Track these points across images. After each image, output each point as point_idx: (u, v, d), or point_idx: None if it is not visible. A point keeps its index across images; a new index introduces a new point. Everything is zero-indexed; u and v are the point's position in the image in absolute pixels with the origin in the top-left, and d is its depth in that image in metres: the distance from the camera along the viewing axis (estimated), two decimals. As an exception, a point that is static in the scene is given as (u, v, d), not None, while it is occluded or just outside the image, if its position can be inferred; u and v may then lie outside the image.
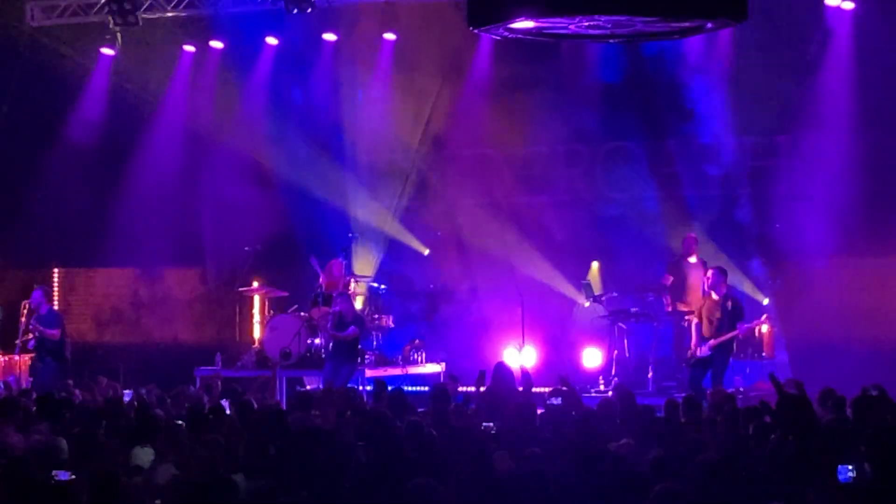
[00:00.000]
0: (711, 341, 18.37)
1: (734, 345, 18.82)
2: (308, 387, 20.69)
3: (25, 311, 21.31)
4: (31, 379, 20.91)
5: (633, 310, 21.05)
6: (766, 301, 20.83)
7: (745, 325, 18.67)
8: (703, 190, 22.15)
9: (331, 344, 20.25)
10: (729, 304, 18.50)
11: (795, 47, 21.15)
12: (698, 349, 18.51)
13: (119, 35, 23.36)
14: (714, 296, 18.59)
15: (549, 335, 22.46)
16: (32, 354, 21.05)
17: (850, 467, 9.32)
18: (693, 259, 20.58)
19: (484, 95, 23.20)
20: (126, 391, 16.44)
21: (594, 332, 21.58)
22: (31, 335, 20.86)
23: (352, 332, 19.88)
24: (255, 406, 14.51)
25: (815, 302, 20.18)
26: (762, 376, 20.20)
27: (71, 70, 24.08)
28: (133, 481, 10.04)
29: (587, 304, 21.86)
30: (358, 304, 21.98)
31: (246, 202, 23.49)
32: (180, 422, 12.94)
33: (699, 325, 18.67)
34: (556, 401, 14.02)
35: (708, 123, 21.79)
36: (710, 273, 18.85)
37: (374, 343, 21.78)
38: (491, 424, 12.76)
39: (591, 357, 21.03)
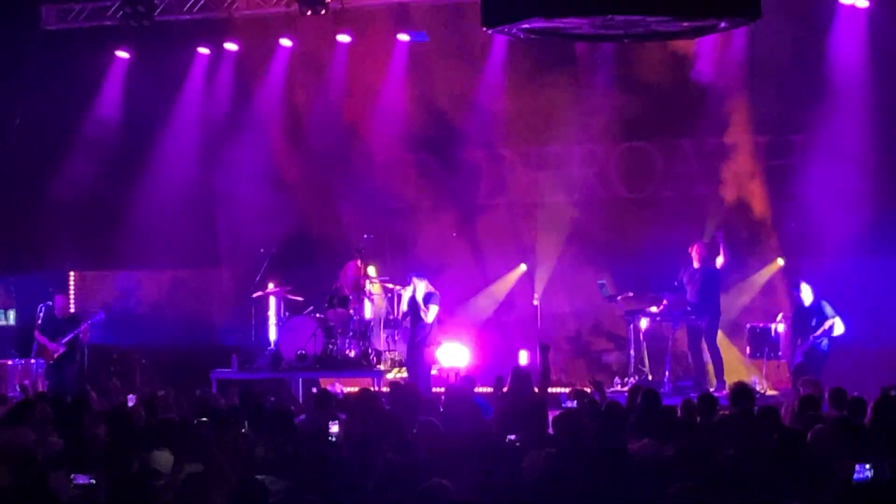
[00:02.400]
0: (802, 347, 19.44)
1: (824, 345, 19.48)
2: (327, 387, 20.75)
3: (41, 317, 21.46)
4: (47, 382, 21.01)
5: (650, 309, 21.03)
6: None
7: (823, 327, 19.45)
8: (719, 189, 22.11)
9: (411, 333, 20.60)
10: (813, 309, 19.55)
11: (810, 46, 21.10)
12: (795, 356, 19.56)
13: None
14: (802, 303, 19.68)
15: (564, 335, 22.46)
16: (51, 361, 21.23)
17: (868, 466, 9.31)
18: (696, 265, 20.61)
19: (498, 96, 23.19)
20: (130, 395, 16.40)
21: (611, 332, 21.60)
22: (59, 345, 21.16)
23: (432, 310, 20.36)
24: (270, 408, 14.50)
25: (832, 300, 20.12)
26: (778, 376, 20.25)
27: (86, 73, 24.13)
28: (154, 484, 10.04)
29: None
30: (375, 305, 22.02)
31: (261, 204, 23.51)
32: (197, 422, 12.94)
33: (791, 334, 19.78)
34: (572, 403, 14.00)
35: (723, 123, 21.75)
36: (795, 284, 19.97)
37: (391, 345, 21.81)
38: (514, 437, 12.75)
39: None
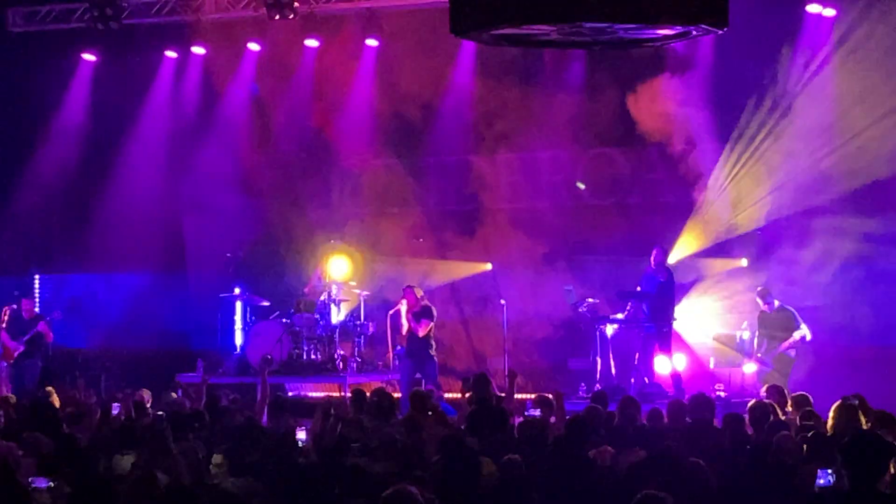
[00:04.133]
0: (768, 354, 19.75)
1: (793, 354, 19.94)
2: (290, 393, 20.75)
3: (6, 319, 21.45)
4: (11, 385, 20.96)
5: (616, 316, 21.05)
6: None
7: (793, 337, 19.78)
8: (685, 195, 22.16)
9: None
10: (779, 316, 19.89)
11: (776, 54, 21.16)
12: (760, 363, 19.79)
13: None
14: (766, 309, 20.01)
15: (531, 341, 22.48)
16: (11, 361, 21.23)
17: (830, 471, 9.35)
18: (653, 267, 20.73)
19: (467, 101, 23.21)
20: (115, 404, 16.31)
21: (577, 338, 21.61)
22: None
23: (425, 325, 20.20)
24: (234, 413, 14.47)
25: (799, 306, 20.22)
26: (744, 383, 20.29)
27: (52, 76, 24.04)
28: (116, 489, 9.99)
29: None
30: (342, 310, 22.02)
31: (228, 208, 23.48)
32: (162, 428, 12.88)
33: (759, 341, 19.97)
34: (536, 412, 13.96)
35: (689, 129, 21.80)
36: (757, 292, 20.21)
37: (356, 350, 21.79)
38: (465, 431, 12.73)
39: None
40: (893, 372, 19.05)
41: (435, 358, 20.58)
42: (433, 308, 20.70)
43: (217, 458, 10.68)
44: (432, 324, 20.54)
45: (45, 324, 21.62)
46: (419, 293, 20.73)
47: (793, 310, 20.04)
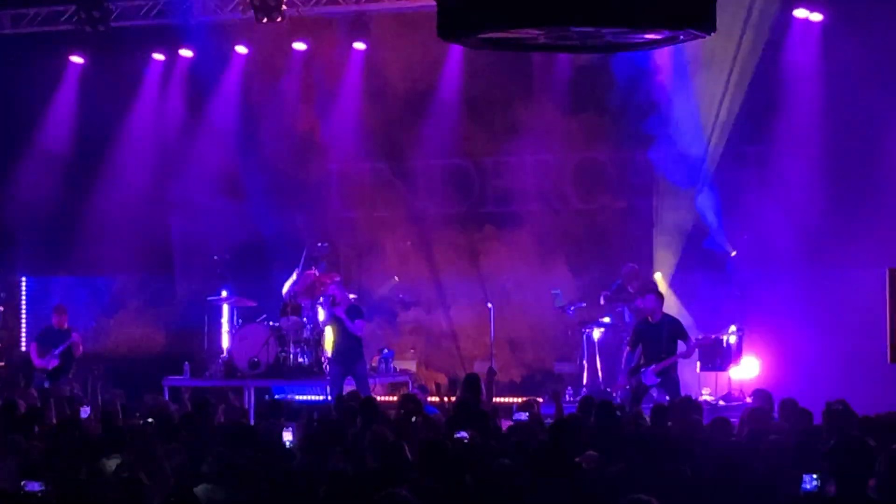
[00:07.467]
0: (653, 366, 18.02)
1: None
2: (276, 396, 20.75)
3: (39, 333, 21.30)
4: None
5: (603, 320, 21.09)
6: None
7: (689, 348, 18.41)
8: (672, 200, 22.18)
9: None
10: (667, 327, 18.20)
11: (764, 58, 21.21)
12: (643, 376, 18.13)
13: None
14: (650, 320, 18.27)
15: (518, 345, 22.51)
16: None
17: (815, 476, 9.36)
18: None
19: (454, 105, 23.23)
20: (84, 408, 16.18)
21: (564, 342, 21.64)
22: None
23: (361, 326, 20.03)
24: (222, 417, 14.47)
25: (782, 312, 20.22)
26: (730, 388, 20.31)
27: (40, 78, 24.02)
28: (102, 493, 9.98)
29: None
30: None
31: (215, 211, 23.46)
32: (148, 431, 12.87)
33: (629, 351, 18.57)
34: (523, 416, 13.94)
35: (676, 134, 21.82)
36: (646, 297, 18.46)
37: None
38: (465, 434, 12.70)
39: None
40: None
41: (364, 357, 20.48)
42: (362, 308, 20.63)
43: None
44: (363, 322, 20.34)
45: (79, 336, 21.18)
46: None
47: (678, 323, 18.45)
